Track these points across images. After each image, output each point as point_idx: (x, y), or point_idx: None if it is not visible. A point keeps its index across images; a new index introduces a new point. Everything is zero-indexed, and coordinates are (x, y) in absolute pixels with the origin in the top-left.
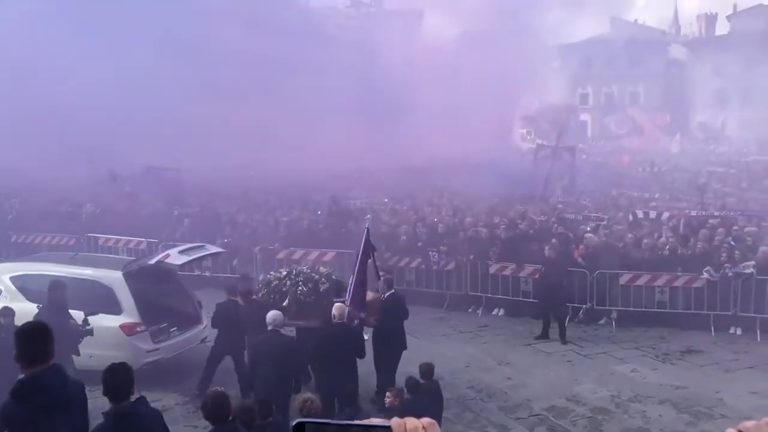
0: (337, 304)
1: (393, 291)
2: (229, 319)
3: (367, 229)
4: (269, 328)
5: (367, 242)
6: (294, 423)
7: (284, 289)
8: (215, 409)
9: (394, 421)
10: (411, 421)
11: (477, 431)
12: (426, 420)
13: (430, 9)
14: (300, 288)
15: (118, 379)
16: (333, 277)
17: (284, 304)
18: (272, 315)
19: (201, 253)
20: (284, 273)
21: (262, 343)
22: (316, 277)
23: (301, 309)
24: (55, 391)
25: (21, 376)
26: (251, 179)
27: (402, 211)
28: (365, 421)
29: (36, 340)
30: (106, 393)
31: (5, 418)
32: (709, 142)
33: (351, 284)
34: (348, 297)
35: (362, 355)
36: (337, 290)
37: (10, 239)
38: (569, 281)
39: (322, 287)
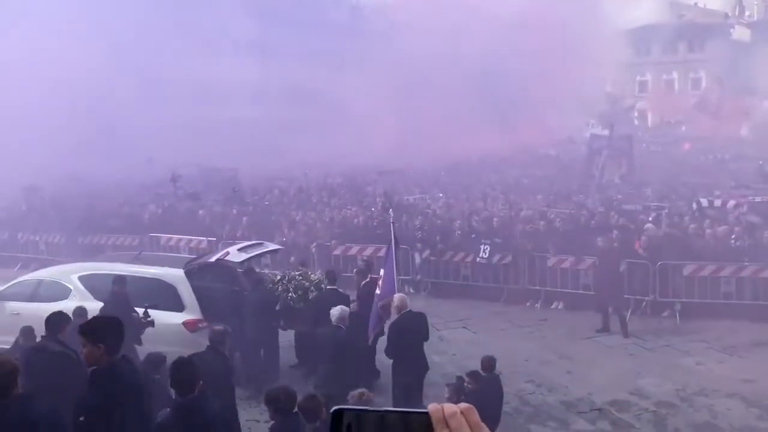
0: (398, 296)
1: (368, 280)
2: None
3: (392, 223)
4: (334, 323)
5: (395, 237)
6: (333, 410)
7: (276, 294)
8: (288, 403)
9: (432, 407)
10: (449, 407)
11: (537, 425)
12: (464, 405)
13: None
14: (290, 294)
15: (184, 372)
16: (323, 285)
17: (276, 308)
18: (337, 311)
19: (260, 251)
20: (278, 277)
21: (324, 339)
22: (307, 284)
23: (293, 315)
24: (126, 380)
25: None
26: (306, 178)
27: (456, 205)
28: (403, 409)
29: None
30: (172, 386)
31: (83, 407)
32: None
33: (381, 278)
34: (378, 291)
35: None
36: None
37: (77, 241)
38: (630, 273)
39: (311, 295)
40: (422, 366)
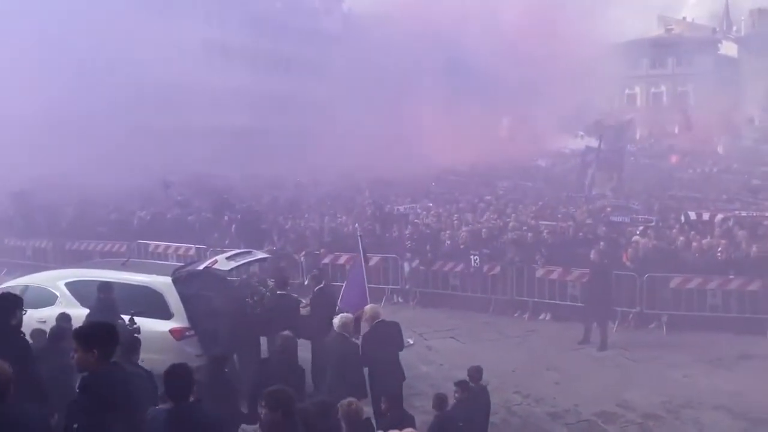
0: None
1: (321, 286)
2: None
3: (360, 236)
4: (336, 331)
5: (362, 249)
6: None
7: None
8: (288, 404)
9: None
10: None
11: None
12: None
13: (473, 13)
14: (248, 300)
15: (178, 380)
16: (279, 292)
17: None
18: (338, 319)
19: (248, 259)
20: (237, 284)
21: (328, 347)
22: (263, 289)
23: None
24: (120, 387)
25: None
26: (297, 186)
27: (445, 215)
28: None
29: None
30: (166, 393)
31: (74, 413)
32: (762, 142)
33: (344, 289)
34: (341, 300)
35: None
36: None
37: (64, 247)
38: (617, 285)
39: (267, 300)
40: (399, 376)
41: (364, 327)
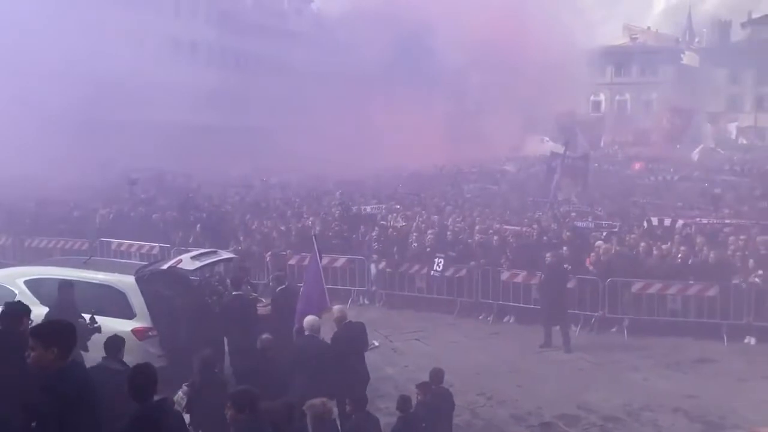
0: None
1: (284, 287)
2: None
3: (314, 236)
4: (306, 332)
5: (317, 250)
6: None
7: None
8: (254, 404)
9: None
10: None
11: None
12: None
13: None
14: (207, 299)
15: (142, 379)
16: (234, 292)
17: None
18: (309, 320)
19: (213, 259)
20: (197, 283)
21: (299, 348)
22: (221, 289)
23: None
24: (78, 385)
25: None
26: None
27: (412, 217)
28: None
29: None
30: (129, 393)
31: (34, 412)
32: (723, 150)
33: (302, 290)
34: (300, 301)
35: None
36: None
37: (24, 244)
38: (580, 289)
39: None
40: (364, 377)
41: (332, 328)
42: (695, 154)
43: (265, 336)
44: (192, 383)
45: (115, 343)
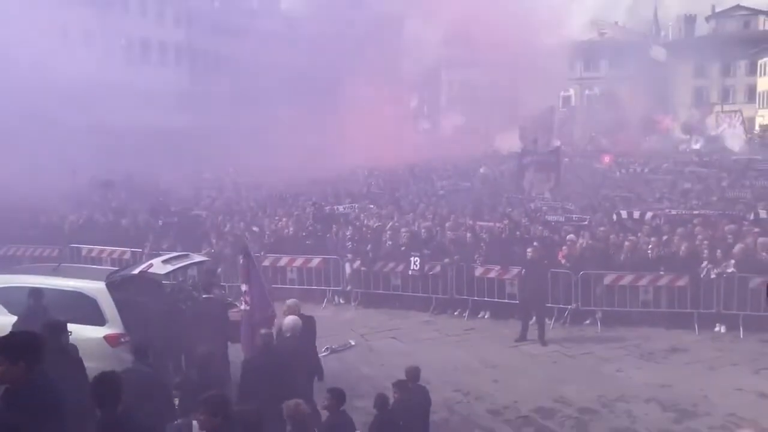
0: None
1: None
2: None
3: (245, 234)
4: (287, 335)
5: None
6: None
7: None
8: (225, 409)
9: None
10: None
11: None
12: None
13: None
14: (180, 305)
15: (106, 387)
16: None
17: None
18: (290, 321)
19: (185, 262)
20: (169, 288)
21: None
22: (195, 293)
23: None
24: (44, 397)
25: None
26: (237, 186)
27: (386, 215)
28: None
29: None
30: (94, 401)
31: (7, 428)
32: (691, 142)
33: (246, 293)
34: (247, 306)
35: None
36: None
37: None
38: (553, 283)
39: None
40: (318, 370)
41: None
42: (660, 145)
43: (264, 331)
44: (180, 384)
45: (139, 346)
